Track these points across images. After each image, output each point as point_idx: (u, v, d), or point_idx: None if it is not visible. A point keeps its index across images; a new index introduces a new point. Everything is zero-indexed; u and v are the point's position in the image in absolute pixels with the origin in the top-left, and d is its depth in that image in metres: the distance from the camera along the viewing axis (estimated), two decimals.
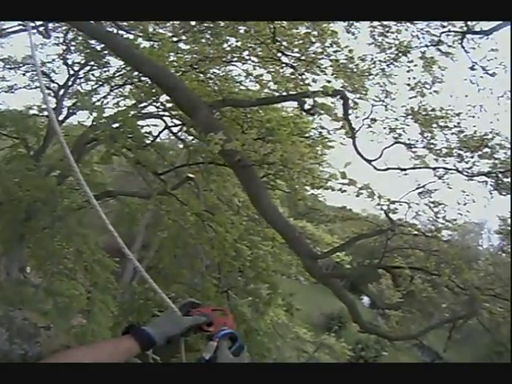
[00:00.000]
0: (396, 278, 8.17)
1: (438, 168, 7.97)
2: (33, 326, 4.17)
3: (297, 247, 7.72)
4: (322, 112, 7.10)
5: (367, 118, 7.62)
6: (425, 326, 9.24)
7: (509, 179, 7.29)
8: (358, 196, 6.82)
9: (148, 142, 10.78)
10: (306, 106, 7.00)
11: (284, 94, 7.85)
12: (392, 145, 7.92)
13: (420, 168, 8.13)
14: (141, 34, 8.59)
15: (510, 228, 8.99)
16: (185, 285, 13.35)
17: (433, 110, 7.69)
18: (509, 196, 7.37)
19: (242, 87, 9.02)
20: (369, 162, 7.56)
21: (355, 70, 7.30)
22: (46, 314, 12.15)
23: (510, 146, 7.31)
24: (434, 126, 7.64)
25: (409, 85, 7.55)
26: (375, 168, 7.64)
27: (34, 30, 10.46)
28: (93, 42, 11.16)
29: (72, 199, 11.58)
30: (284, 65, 7.65)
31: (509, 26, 5.98)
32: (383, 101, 7.66)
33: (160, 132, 11.19)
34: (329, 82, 7.14)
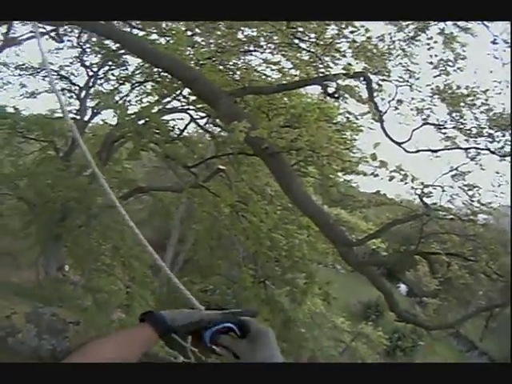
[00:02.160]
0: (432, 264, 7.96)
1: (470, 148, 7.65)
2: (61, 321, 4.20)
3: (331, 235, 7.62)
4: (347, 96, 6.90)
5: (393, 99, 7.33)
6: (462, 314, 8.99)
7: None
8: (390, 180, 6.65)
9: (175, 135, 10.77)
10: (330, 90, 6.81)
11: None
12: (421, 126, 7.62)
13: (451, 149, 7.82)
14: (155, 31, 8.51)
15: None
16: (222, 276, 13.33)
17: (458, 87, 7.37)
18: None
19: (262, 76, 8.86)
20: (399, 144, 7.32)
21: (375, 50, 7.03)
22: (86, 310, 12.38)
23: None
24: (462, 104, 7.31)
25: (431, 63, 7.21)
26: (405, 150, 7.40)
27: (46, 36, 10.50)
28: (107, 42, 11.26)
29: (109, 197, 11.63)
30: (302, 50, 7.45)
31: None
32: (407, 81, 7.35)
33: (186, 125, 11.19)
34: (350, 64, 6.92)
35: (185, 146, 11.43)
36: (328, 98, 7.60)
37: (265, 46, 7.98)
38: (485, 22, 6.33)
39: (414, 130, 7.43)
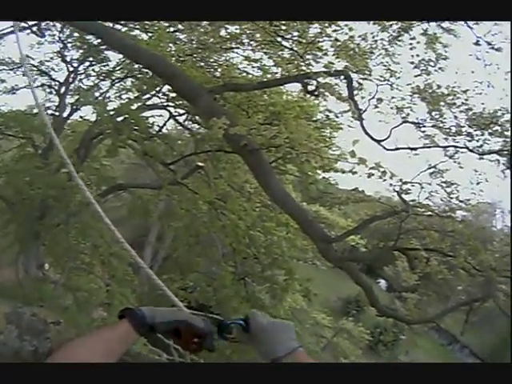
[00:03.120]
0: (412, 260, 8.04)
1: (449, 147, 7.74)
2: (42, 321, 4.14)
3: (310, 231, 7.67)
4: (327, 94, 6.93)
5: (373, 97, 7.38)
6: (441, 308, 9.11)
7: None
8: (369, 177, 6.71)
9: (154, 132, 10.73)
10: (310, 88, 6.84)
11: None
12: (400, 124, 7.68)
13: (430, 147, 7.90)
14: (137, 27, 8.47)
15: None
16: (202, 274, 13.30)
17: (439, 87, 7.43)
18: None
19: (243, 74, 8.87)
20: (378, 142, 7.37)
21: (357, 49, 7.08)
22: (66, 310, 12.28)
23: None
24: (442, 104, 7.39)
25: (413, 63, 7.27)
26: (385, 148, 7.45)
27: (28, 30, 10.35)
28: (89, 37, 11.15)
29: (83, 195, 11.54)
30: (284, 48, 7.47)
31: None
32: (388, 80, 7.40)
33: (165, 122, 11.14)
34: (331, 63, 6.96)
35: (164, 142, 11.37)
36: (308, 95, 7.62)
37: (247, 44, 7.98)
38: (469, 24, 6.42)
39: (393, 128, 7.49)
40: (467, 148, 7.57)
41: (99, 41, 10.57)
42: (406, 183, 7.26)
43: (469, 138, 7.47)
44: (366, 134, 7.31)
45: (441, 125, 7.57)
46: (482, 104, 7.34)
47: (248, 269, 11.95)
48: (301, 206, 8.35)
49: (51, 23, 10.60)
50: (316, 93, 6.88)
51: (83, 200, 11.54)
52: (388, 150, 7.48)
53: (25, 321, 4.39)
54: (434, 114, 7.51)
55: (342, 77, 6.95)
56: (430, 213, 8.04)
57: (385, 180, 7.27)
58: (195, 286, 13.68)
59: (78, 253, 13.02)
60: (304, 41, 7.26)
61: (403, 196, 7.34)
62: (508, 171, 7.17)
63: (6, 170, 12.29)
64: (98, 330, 1.58)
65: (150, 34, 8.22)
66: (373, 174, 7.12)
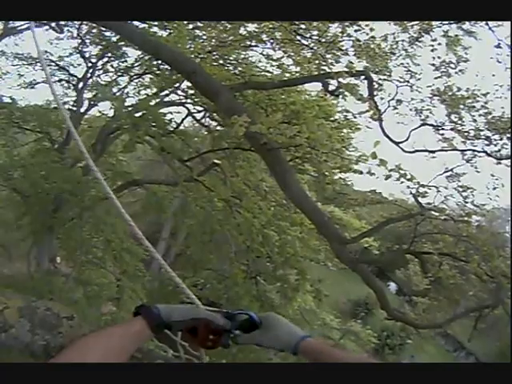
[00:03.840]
0: (424, 264, 7.99)
1: (466, 150, 7.70)
2: (55, 316, 4.14)
3: (325, 232, 7.67)
4: (347, 94, 6.92)
5: (392, 99, 7.40)
6: (451, 314, 9.06)
7: None
8: (387, 179, 6.70)
9: (171, 129, 10.74)
10: (330, 88, 6.84)
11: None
12: (419, 127, 7.69)
13: (448, 150, 7.88)
14: (156, 23, 8.48)
15: None
16: (214, 271, 13.31)
17: (459, 90, 7.42)
18: None
19: (262, 72, 8.86)
20: (396, 143, 7.37)
21: (377, 50, 7.07)
22: (76, 303, 12.33)
23: None
24: (461, 106, 7.37)
25: (433, 65, 7.28)
26: (403, 150, 7.45)
27: (47, 26, 10.38)
28: (108, 33, 11.21)
29: (99, 189, 11.61)
30: (304, 47, 7.47)
31: None
32: (408, 81, 7.42)
33: (183, 118, 11.12)
34: (351, 63, 6.95)
35: (181, 139, 11.39)
36: (328, 95, 7.62)
37: (266, 42, 7.99)
38: (490, 26, 6.38)
39: (412, 131, 7.49)
40: (485, 152, 7.53)
41: (118, 37, 10.62)
42: (422, 186, 7.23)
43: (487, 142, 7.44)
44: (385, 135, 7.30)
45: (459, 128, 7.55)
46: (502, 108, 7.31)
47: (260, 267, 11.95)
48: (317, 206, 8.31)
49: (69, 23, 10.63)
50: (336, 93, 6.88)
51: (98, 195, 11.64)
52: (406, 152, 7.47)
53: (38, 315, 4.41)
54: (452, 116, 7.49)
55: (363, 77, 6.93)
56: (445, 217, 8.00)
57: (402, 182, 7.28)
58: (206, 283, 13.71)
59: (91, 247, 13.06)
60: (324, 40, 7.26)
61: (419, 199, 7.32)
62: None
63: (22, 164, 12.32)
64: (112, 326, 1.56)
65: (168, 31, 8.21)
66: (391, 176, 7.12)
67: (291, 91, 8.57)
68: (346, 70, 6.51)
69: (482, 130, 7.44)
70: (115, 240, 12.57)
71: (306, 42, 7.46)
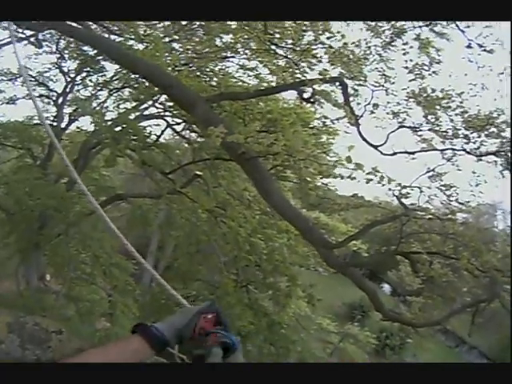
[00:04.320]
0: (414, 263, 7.99)
1: (446, 150, 7.71)
2: (44, 331, 4.15)
3: (311, 238, 7.68)
4: (322, 101, 6.92)
5: (368, 103, 7.36)
6: (447, 311, 9.05)
7: None
8: (368, 182, 6.72)
9: (152, 142, 10.72)
10: (306, 95, 6.84)
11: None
12: (397, 129, 7.67)
13: (427, 151, 7.88)
14: (132, 37, 8.46)
15: None
16: (204, 282, 13.28)
17: (433, 91, 7.43)
18: None
19: (239, 82, 8.85)
20: (375, 147, 7.34)
21: (351, 56, 7.08)
22: (69, 320, 12.24)
23: None
24: (437, 107, 7.37)
25: (407, 67, 7.27)
26: (382, 153, 7.43)
27: (25, 41, 10.31)
28: (86, 48, 11.17)
29: (83, 205, 11.58)
30: (278, 56, 7.47)
31: None
32: (383, 86, 7.38)
33: (162, 131, 11.09)
34: (326, 70, 6.95)
35: (162, 152, 11.38)
36: (304, 103, 7.61)
37: (242, 52, 8.00)
38: (460, 27, 6.42)
39: (389, 133, 7.47)
40: (464, 150, 7.54)
41: (96, 51, 10.59)
42: (405, 187, 7.22)
43: (466, 141, 7.45)
44: (363, 139, 7.29)
45: (437, 128, 7.56)
46: (477, 106, 7.32)
47: (250, 276, 11.94)
48: (300, 212, 8.30)
49: (48, 34, 10.54)
50: (312, 100, 6.88)
51: (82, 210, 11.58)
52: (385, 154, 7.46)
53: (27, 330, 4.43)
54: (429, 117, 7.50)
55: (338, 83, 6.93)
56: (430, 216, 7.98)
57: (383, 185, 7.28)
58: (198, 294, 13.66)
59: (79, 263, 12.98)
60: (298, 49, 7.27)
61: (403, 200, 7.32)
62: (506, 172, 7.14)
63: (5, 181, 12.30)
64: (110, 344, 1.52)
65: (145, 44, 8.19)
66: (371, 180, 7.14)
67: (268, 100, 8.56)
68: (320, 77, 6.49)
69: (459, 129, 7.45)
70: (103, 255, 12.52)
71: (280, 52, 7.45)
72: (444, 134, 7.58)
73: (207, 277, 13.47)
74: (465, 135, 7.44)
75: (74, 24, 7.37)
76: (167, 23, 7.77)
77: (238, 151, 6.47)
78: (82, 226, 12.17)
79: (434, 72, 7.20)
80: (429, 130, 7.65)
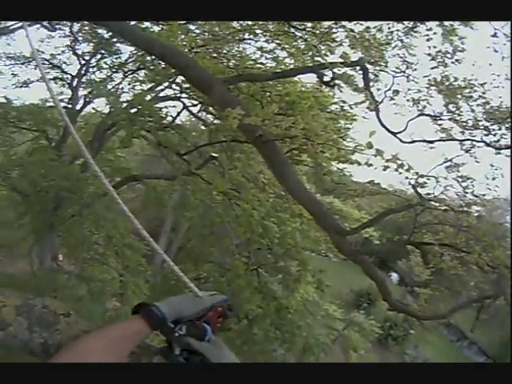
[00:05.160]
0: (425, 254, 7.96)
1: (465, 140, 7.62)
2: (52, 313, 4.19)
3: (324, 223, 7.63)
4: (342, 85, 6.86)
5: (389, 89, 7.29)
6: (453, 304, 9.03)
7: None
8: (385, 170, 6.68)
9: (167, 123, 10.71)
10: (325, 79, 6.78)
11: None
12: (416, 117, 7.59)
13: (446, 140, 7.79)
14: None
15: None
16: (215, 264, 13.32)
17: (456, 80, 7.31)
18: None
19: (257, 65, 8.76)
20: (394, 134, 7.29)
21: (372, 41, 6.96)
22: (80, 300, 12.37)
23: None
24: (459, 96, 7.26)
25: (429, 55, 7.14)
26: (401, 140, 7.38)
27: (38, 25, 10.26)
28: (100, 30, 11.14)
29: (97, 186, 11.63)
30: (298, 38, 7.38)
31: None
32: (404, 72, 7.29)
33: (179, 112, 11.07)
34: (346, 53, 6.86)
35: (178, 133, 11.36)
36: (323, 86, 7.56)
37: (260, 34, 7.90)
38: None
39: (409, 121, 7.40)
40: (484, 142, 7.45)
41: (110, 34, 10.54)
42: (422, 176, 7.19)
43: (486, 132, 7.35)
44: (382, 125, 7.23)
45: (457, 118, 7.46)
46: (500, 98, 7.21)
47: (261, 259, 11.96)
48: (315, 197, 8.28)
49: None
50: (332, 83, 6.82)
51: (96, 191, 11.65)
52: (404, 142, 7.41)
53: (35, 313, 4.44)
54: (450, 106, 7.40)
55: (358, 68, 6.86)
56: (445, 207, 7.93)
57: (401, 173, 7.25)
58: (209, 276, 13.73)
59: (92, 244, 13.08)
60: (318, 32, 7.17)
61: (418, 189, 7.29)
62: None
63: (20, 163, 12.30)
64: (111, 326, 1.52)
65: (161, 26, 8.12)
66: (388, 167, 7.10)
67: (286, 82, 8.48)
68: (340, 60, 6.43)
69: (480, 120, 7.34)
70: (116, 236, 12.60)
71: (299, 34, 7.37)
72: (464, 124, 7.48)
73: (219, 259, 13.50)
74: (485, 127, 7.34)
75: None
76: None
77: (256, 134, 6.44)
78: (95, 207, 12.23)
79: (456, 60, 7.08)
80: (449, 119, 7.56)
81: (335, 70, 6.54)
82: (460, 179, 7.74)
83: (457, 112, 7.42)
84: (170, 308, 1.56)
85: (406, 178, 7.34)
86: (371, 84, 7.20)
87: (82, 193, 11.78)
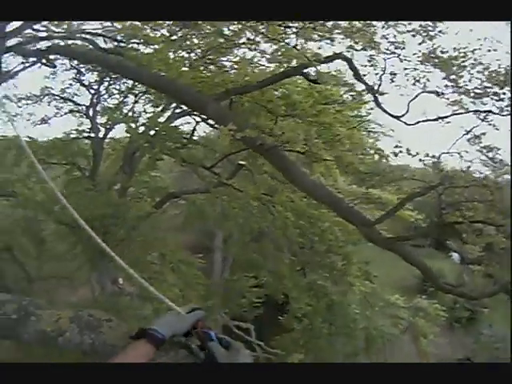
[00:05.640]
0: (460, 234, 7.67)
1: (476, 111, 7.21)
2: (97, 320, 4.93)
3: (349, 217, 7.66)
4: (327, 81, 6.72)
5: (384, 73, 7.01)
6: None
7: None
8: (396, 155, 6.73)
9: (190, 138, 10.84)
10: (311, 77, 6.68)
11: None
12: (417, 96, 7.23)
13: (459, 114, 7.40)
14: (138, 41, 8.44)
15: None
16: (265, 269, 13.39)
17: (446, 51, 6.94)
18: None
19: (254, 70, 8.53)
20: (397, 118, 7.06)
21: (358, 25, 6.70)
22: (146, 319, 12.72)
23: None
24: (455, 67, 6.90)
25: (413, 30, 6.80)
26: (405, 123, 7.12)
27: (38, 64, 10.44)
28: None
29: (138, 208, 11.99)
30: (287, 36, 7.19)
31: None
32: (394, 52, 6.98)
33: (194, 128, 10.99)
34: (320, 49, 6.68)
35: (203, 146, 11.50)
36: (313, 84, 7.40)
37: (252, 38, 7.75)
38: None
39: (410, 101, 7.12)
40: (497, 108, 7.06)
41: None
42: (443, 154, 7.02)
43: (496, 98, 6.97)
44: (383, 110, 7.04)
45: (463, 90, 7.10)
46: (498, 60, 6.79)
47: (306, 258, 11.94)
48: (333, 193, 8.14)
49: (58, 56, 10.62)
50: (319, 81, 6.71)
51: (138, 214, 11.98)
52: (409, 125, 7.15)
53: (83, 320, 5.14)
54: (451, 78, 7.04)
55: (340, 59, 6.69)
56: (471, 183, 7.59)
57: (414, 156, 7.13)
58: (264, 282, 13.82)
59: (148, 263, 13.42)
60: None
61: (441, 167, 7.11)
62: None
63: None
64: (122, 355, 1.75)
65: (155, 47, 8.13)
66: (401, 152, 7.03)
67: (286, 83, 8.26)
68: (315, 58, 6.28)
69: (488, 87, 6.97)
70: (168, 253, 12.88)
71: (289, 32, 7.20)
72: (473, 93, 7.13)
73: (266, 263, 13.54)
74: (494, 92, 6.97)
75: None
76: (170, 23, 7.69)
77: (256, 143, 6.49)
78: (141, 229, 12.57)
79: (440, 31, 6.75)
80: (453, 92, 7.20)
81: (319, 67, 6.44)
82: (484, 150, 7.39)
83: (460, 83, 7.06)
84: (166, 329, 1.81)
85: (420, 160, 7.20)
86: (368, 70, 7.00)
87: (125, 217, 12.13)
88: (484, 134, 7.39)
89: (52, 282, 16.12)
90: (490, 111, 6.86)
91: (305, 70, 6.58)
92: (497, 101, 6.98)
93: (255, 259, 13.14)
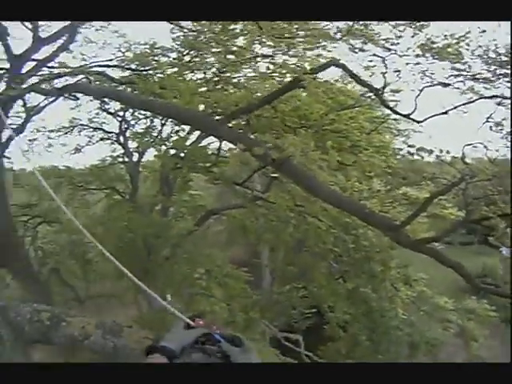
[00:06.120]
0: (489, 230, 7.53)
1: (492, 97, 7.03)
2: (119, 326, 5.80)
3: (373, 223, 7.59)
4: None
5: (386, 72, 6.95)
6: None
7: None
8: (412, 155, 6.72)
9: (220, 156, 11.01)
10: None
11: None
12: (423, 89, 7.09)
13: (473, 102, 7.22)
14: (148, 68, 8.67)
15: None
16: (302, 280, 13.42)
17: (433, 42, 6.78)
18: None
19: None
20: (407, 116, 7.03)
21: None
22: None
23: None
24: (453, 55, 6.75)
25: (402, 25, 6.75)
26: (415, 120, 7.08)
27: (61, 97, 10.80)
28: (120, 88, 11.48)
29: (179, 227, 12.27)
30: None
31: None
32: (389, 49, 6.92)
33: (219, 147, 11.11)
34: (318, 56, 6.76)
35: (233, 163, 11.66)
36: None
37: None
38: None
39: (417, 97, 7.03)
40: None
41: None
42: (468, 145, 6.92)
43: (507, 79, 6.79)
44: (390, 109, 7.06)
45: (471, 76, 6.95)
46: (494, 40, 6.62)
47: (343, 267, 11.89)
48: (353, 199, 8.17)
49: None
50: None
51: (179, 232, 12.29)
52: (418, 122, 7.11)
53: (107, 326, 6.36)
54: (456, 67, 6.92)
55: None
56: (493, 174, 7.38)
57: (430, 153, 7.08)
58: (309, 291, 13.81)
59: (194, 279, 13.69)
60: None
61: (466, 160, 7.06)
62: None
63: (102, 221, 13.24)
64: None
65: (169, 72, 8.32)
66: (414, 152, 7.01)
67: (294, 95, 8.26)
68: (310, 68, 6.37)
69: (494, 71, 6.81)
70: (215, 269, 13.11)
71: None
72: (482, 80, 6.98)
73: (309, 274, 13.55)
74: (505, 74, 6.80)
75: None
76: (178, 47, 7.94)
77: (268, 159, 6.62)
78: (185, 246, 12.87)
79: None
80: (462, 81, 7.05)
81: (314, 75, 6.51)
82: (509, 136, 7.24)
83: (466, 69, 6.92)
84: (175, 344, 1.84)
85: (437, 156, 7.12)
86: (375, 70, 7.01)
87: (167, 236, 12.47)
88: (504, 119, 7.25)
89: (100, 301, 16.76)
90: (497, 96, 6.71)
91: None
92: (508, 82, 6.85)
93: (299, 270, 13.15)
